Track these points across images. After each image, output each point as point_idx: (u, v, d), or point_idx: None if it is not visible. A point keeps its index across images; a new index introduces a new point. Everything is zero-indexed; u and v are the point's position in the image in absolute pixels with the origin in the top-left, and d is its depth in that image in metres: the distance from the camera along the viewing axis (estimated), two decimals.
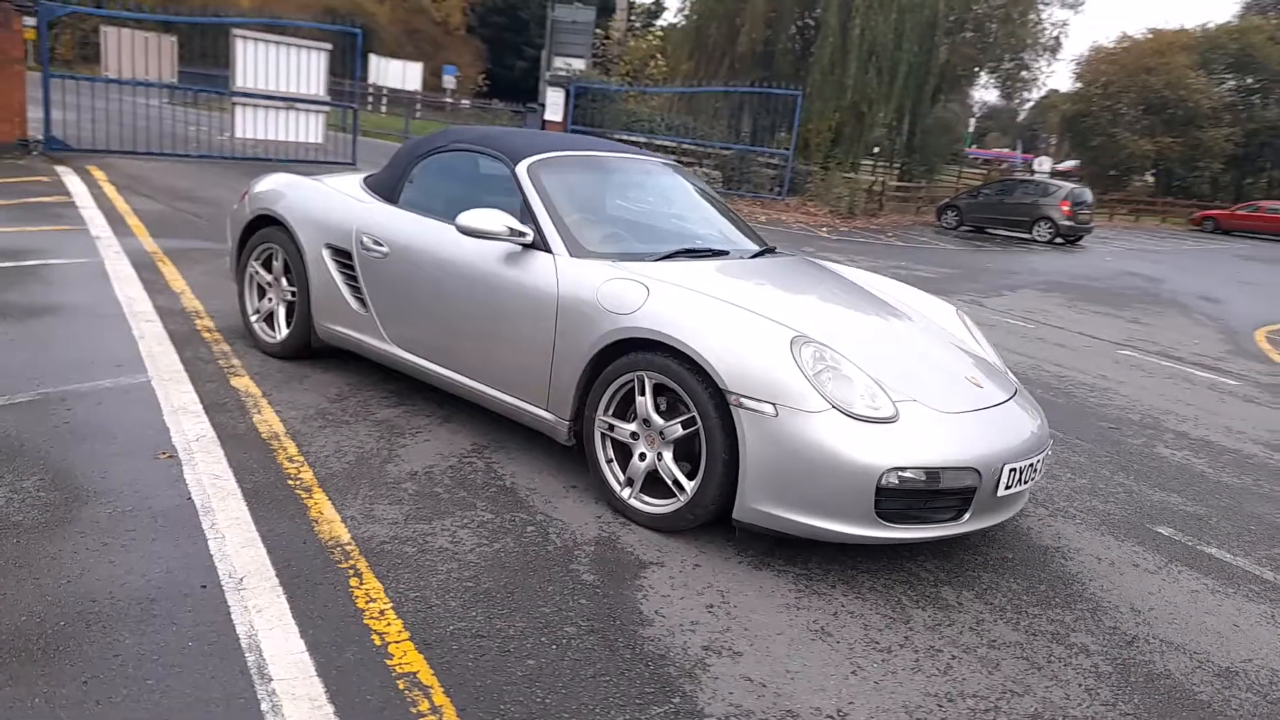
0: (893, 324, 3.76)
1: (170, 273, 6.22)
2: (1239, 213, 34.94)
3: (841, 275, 4.31)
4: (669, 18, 49.29)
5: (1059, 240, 22.44)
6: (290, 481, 3.26)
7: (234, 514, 2.97)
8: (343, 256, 4.22)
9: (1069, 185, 23.86)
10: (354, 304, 4.20)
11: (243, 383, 4.22)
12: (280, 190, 4.57)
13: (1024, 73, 40.12)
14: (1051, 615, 2.98)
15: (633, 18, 26.90)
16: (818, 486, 2.86)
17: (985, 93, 48.16)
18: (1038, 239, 22.54)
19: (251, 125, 13.04)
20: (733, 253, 4.07)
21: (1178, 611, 3.13)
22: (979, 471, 2.97)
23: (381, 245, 4.03)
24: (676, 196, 4.44)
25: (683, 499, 3.11)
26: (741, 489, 2.94)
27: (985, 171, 44.95)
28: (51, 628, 2.28)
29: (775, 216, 17.56)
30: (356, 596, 2.58)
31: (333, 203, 4.34)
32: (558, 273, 3.46)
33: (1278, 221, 33.52)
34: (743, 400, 2.91)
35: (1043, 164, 55.79)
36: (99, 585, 2.49)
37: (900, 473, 2.84)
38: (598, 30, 23.62)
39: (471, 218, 3.57)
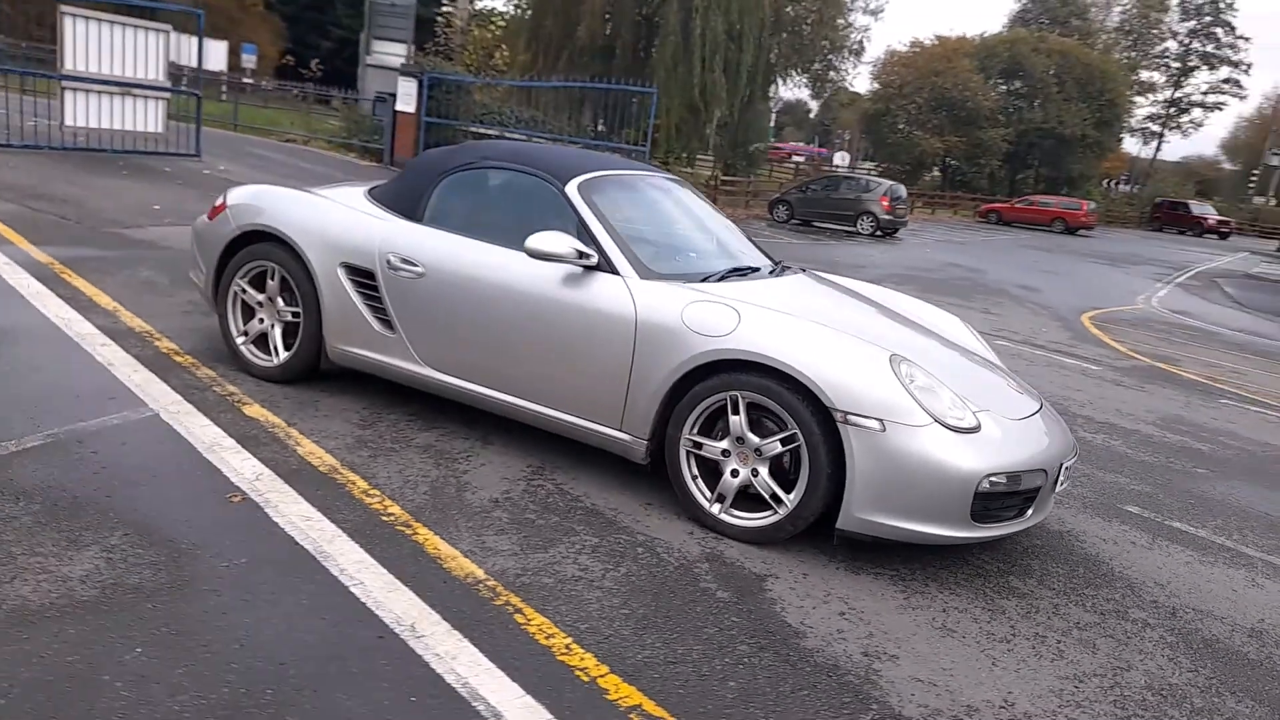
0: (934, 340, 4.08)
1: (85, 286, 5.66)
2: (1017, 206, 38.77)
3: (861, 291, 4.59)
4: (500, 5, 48.62)
5: (879, 233, 24.12)
6: (385, 518, 3.16)
7: (354, 557, 2.86)
8: (362, 276, 4.06)
9: (888, 182, 25.67)
10: (376, 325, 4.05)
11: (257, 412, 3.98)
12: (276, 204, 4.31)
13: (831, 73, 42.69)
14: (1104, 595, 3.39)
15: (475, 5, 26.30)
16: (922, 494, 3.12)
17: (790, 91, 50.75)
18: (861, 232, 24.12)
19: (83, 112, 11.78)
20: (763, 269, 4.26)
21: (1188, 582, 3.64)
22: (1045, 472, 3.33)
23: (415, 265, 3.92)
24: (694, 211, 4.56)
25: (782, 512, 3.29)
26: (848, 500, 3.16)
27: (795, 166, 47.44)
28: (263, 696, 2.16)
29: None
30: (533, 633, 2.59)
31: (346, 219, 4.16)
32: (632, 296, 3.53)
33: (1048, 214, 37.45)
34: (850, 417, 3.12)
35: (842, 159, 59.40)
36: (274, 645, 2.37)
37: (993, 477, 3.15)
38: (439, 17, 22.99)
39: (541, 241, 3.57)
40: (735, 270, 4.05)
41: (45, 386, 3.93)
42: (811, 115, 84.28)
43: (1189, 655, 3.02)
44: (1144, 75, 60.70)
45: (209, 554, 2.77)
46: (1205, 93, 63.19)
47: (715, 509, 3.41)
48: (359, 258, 4.06)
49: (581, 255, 3.60)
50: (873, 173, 50.27)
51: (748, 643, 2.70)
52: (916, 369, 3.29)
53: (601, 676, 2.43)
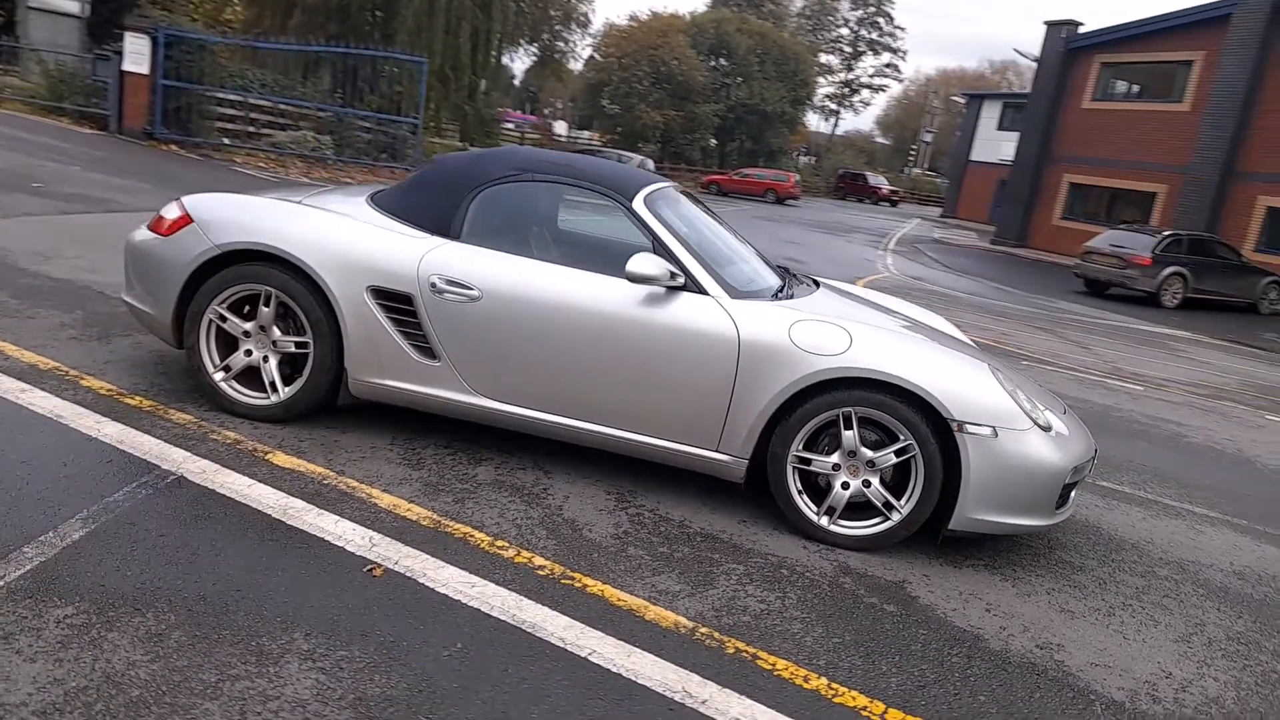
0: (969, 345, 4.40)
1: None
2: (734, 178, 41.56)
3: (873, 299, 4.76)
4: None
5: None
6: (540, 572, 2.94)
7: (559, 623, 2.65)
8: (396, 301, 3.65)
9: (638, 157, 26.50)
10: (414, 354, 3.67)
11: (290, 462, 3.47)
12: (274, 219, 3.73)
13: (559, 44, 42.91)
14: (1128, 559, 3.94)
15: None
16: (1025, 491, 3.44)
17: (520, 61, 50.34)
18: None
19: None
20: (805, 282, 4.37)
21: (1161, 536, 4.30)
22: (1091, 462, 3.80)
23: (469, 288, 3.60)
24: (709, 220, 4.51)
25: (895, 518, 3.47)
26: (962, 502, 3.41)
27: (520, 135, 47.35)
28: None
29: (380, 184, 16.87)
30: (789, 678, 2.58)
31: (371, 238, 3.71)
32: (731, 316, 3.51)
33: (761, 185, 40.55)
34: (965, 426, 3.36)
35: (562, 128, 59.95)
36: None
37: (1074, 471, 3.55)
38: None
39: (641, 264, 3.45)
40: (789, 283, 4.13)
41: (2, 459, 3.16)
42: (516, 82, 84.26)
43: (1224, 603, 3.62)
44: (823, 58, 67.08)
45: (416, 643, 2.44)
46: (872, 75, 71.19)
47: (824, 521, 3.52)
48: (392, 280, 3.64)
49: (673, 276, 3.52)
50: (594, 142, 51.42)
51: (955, 654, 2.87)
52: (1004, 376, 3.60)
53: (885, 713, 2.49)
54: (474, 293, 3.60)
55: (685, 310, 3.54)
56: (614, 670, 2.47)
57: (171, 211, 3.88)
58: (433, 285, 3.61)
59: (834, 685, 2.57)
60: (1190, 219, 23.18)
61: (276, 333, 3.76)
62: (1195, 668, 3.03)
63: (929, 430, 3.38)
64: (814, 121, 73.50)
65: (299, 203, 3.91)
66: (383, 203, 3.95)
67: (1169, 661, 3.04)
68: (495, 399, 3.68)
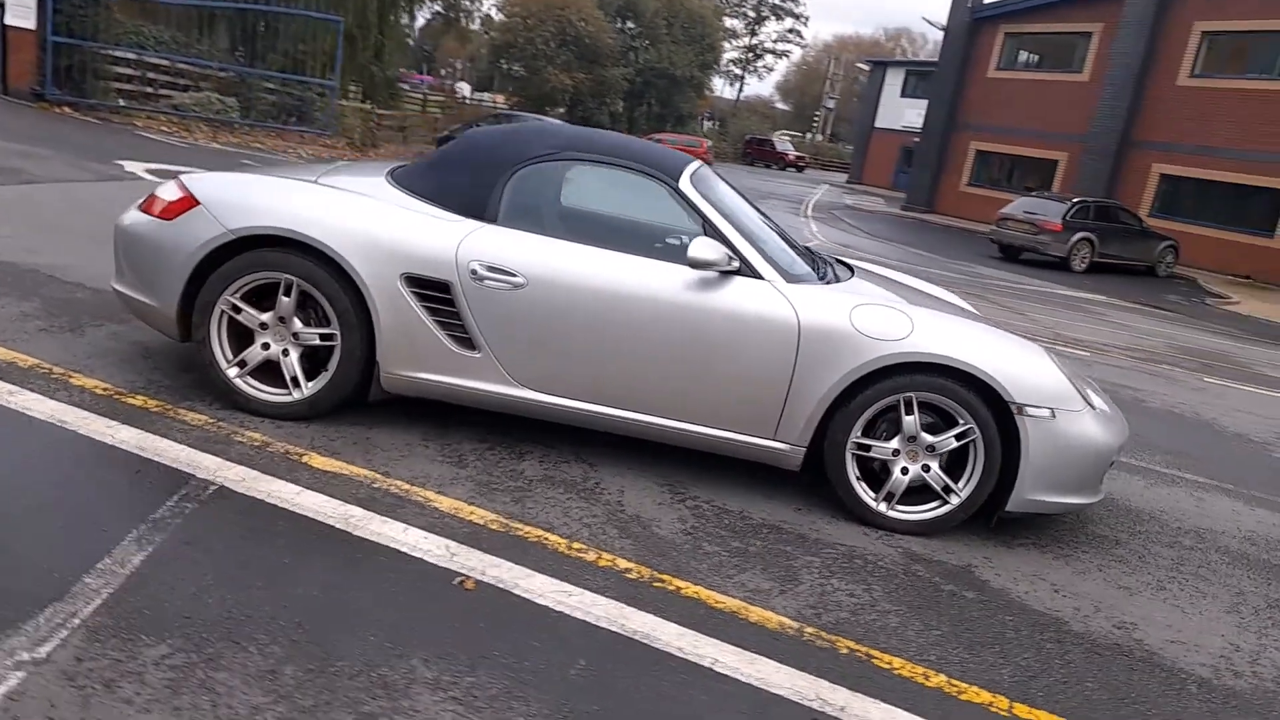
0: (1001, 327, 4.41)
1: None
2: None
3: (905, 281, 4.69)
4: None
5: None
6: (629, 575, 2.82)
7: (670, 630, 2.55)
8: (432, 288, 3.42)
9: (555, 122, 25.92)
10: (451, 345, 3.46)
11: (330, 464, 3.23)
12: (294, 201, 3.44)
13: (464, 2, 41.58)
14: (1152, 531, 4.05)
15: None
16: (1077, 471, 3.49)
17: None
18: None
19: None
20: (840, 263, 4.30)
21: (1166, 505, 4.46)
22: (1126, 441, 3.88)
23: (513, 275, 3.40)
24: (740, 198, 4.34)
25: (955, 501, 3.47)
26: (1020, 484, 3.43)
27: (422, 98, 45.87)
28: None
29: (293, 149, 15.97)
30: (909, 676, 2.54)
31: (402, 221, 3.45)
32: (789, 301, 3.42)
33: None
34: (1025, 408, 3.37)
35: (463, 89, 58.43)
36: None
37: (1119, 450, 3.61)
38: None
39: (701, 249, 3.33)
40: (829, 266, 4.05)
41: (14, 471, 2.84)
42: (410, 41, 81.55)
43: (1250, 569, 3.77)
44: (728, 22, 67.08)
45: (540, 664, 2.29)
46: (775, 40, 71.66)
47: (882, 507, 3.50)
48: (428, 267, 3.41)
49: (729, 260, 3.40)
50: (499, 105, 50.27)
51: (1047, 640, 2.89)
52: (1057, 358, 3.62)
53: (1011, 708, 2.48)
54: (519, 279, 3.40)
55: (741, 296, 3.43)
56: (745, 680, 2.38)
57: (170, 192, 3.53)
58: (473, 272, 3.40)
59: (953, 682, 2.55)
60: (1090, 186, 24.20)
61: (298, 324, 3.48)
62: (1255, 638, 3.14)
63: (989, 413, 3.37)
64: (719, 86, 73.68)
65: (314, 182, 3.62)
66: (407, 182, 3.68)
67: (1230, 634, 3.14)
68: (540, 390, 3.50)
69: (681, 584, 2.82)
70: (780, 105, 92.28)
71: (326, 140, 18.51)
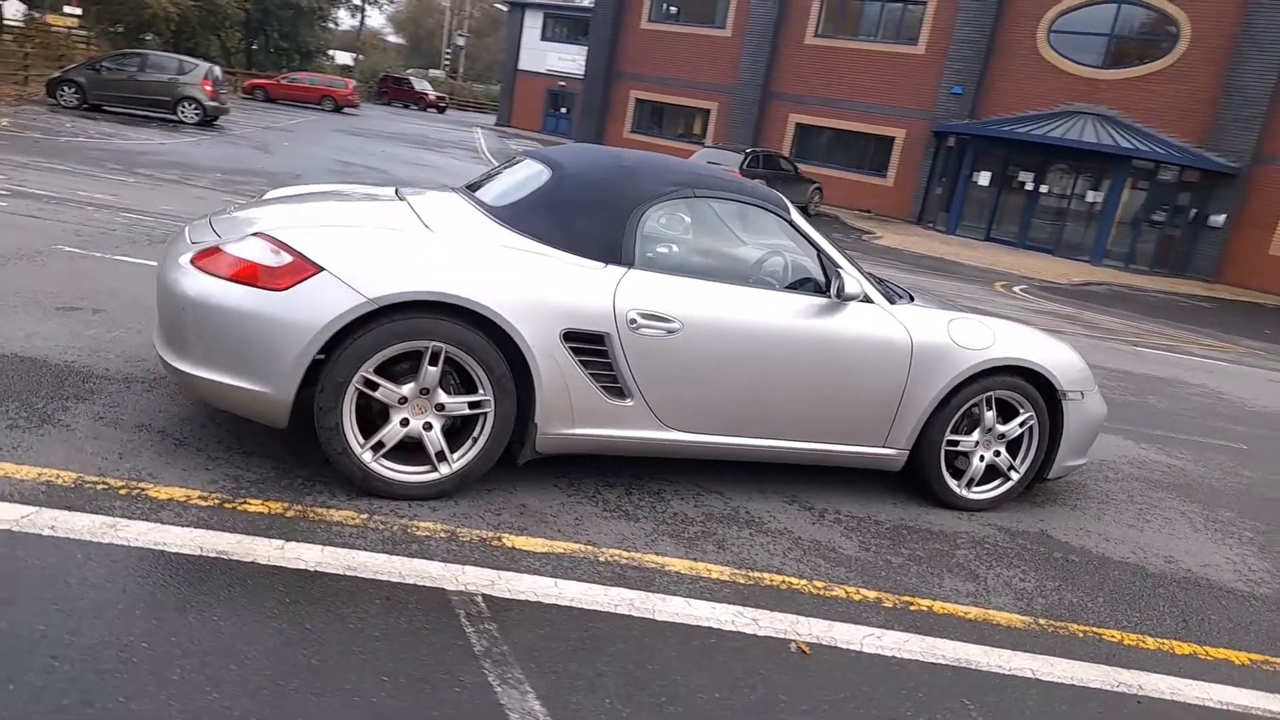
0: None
1: None
2: (284, 83, 37.81)
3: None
4: None
5: (207, 121, 21.71)
6: (888, 605, 3.06)
7: (1020, 660, 2.85)
8: (587, 341, 3.27)
9: (205, 64, 22.81)
10: (604, 396, 3.34)
11: (538, 544, 3.02)
12: (433, 259, 3.05)
13: None
14: (1119, 477, 5.04)
15: None
16: (1089, 437, 4.29)
17: None
18: (185, 120, 21.27)
19: None
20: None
21: (1123, 456, 5.52)
22: None
23: (668, 320, 3.35)
24: None
25: (1014, 478, 4.10)
26: (1061, 455, 4.14)
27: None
28: None
29: None
30: (1154, 648, 3.10)
31: (553, 274, 3.22)
32: (900, 321, 3.76)
33: (317, 91, 37.52)
34: (1068, 394, 4.07)
35: (12, 9, 49.25)
36: None
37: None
38: None
39: (853, 284, 3.58)
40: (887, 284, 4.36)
41: (290, 632, 2.36)
42: None
43: (1183, 498, 4.88)
44: None
45: (955, 712, 2.50)
46: None
47: (964, 491, 4.03)
48: (587, 321, 3.24)
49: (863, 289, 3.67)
50: (71, 28, 42.79)
51: (1160, 590, 3.60)
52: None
53: (1208, 654, 3.13)
54: (674, 325, 3.36)
55: (863, 320, 3.69)
56: (1068, 683, 2.76)
57: (265, 254, 2.95)
58: (631, 322, 3.29)
59: (1163, 641, 3.15)
60: (739, 134, 26.78)
61: (442, 395, 3.13)
62: (1237, 554, 4.16)
63: (1044, 401, 4.02)
64: (344, 19, 68.85)
65: (426, 227, 3.23)
66: (522, 224, 3.40)
67: (1228, 553, 4.13)
68: (688, 430, 3.52)
69: (927, 603, 3.12)
70: (394, 39, 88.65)
71: None
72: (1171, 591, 3.57)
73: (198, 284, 2.97)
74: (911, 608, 3.05)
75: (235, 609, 2.37)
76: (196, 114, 21.31)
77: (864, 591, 3.11)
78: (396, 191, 4.01)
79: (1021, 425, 4.02)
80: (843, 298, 3.58)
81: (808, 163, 25.74)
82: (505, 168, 4.11)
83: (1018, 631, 3.02)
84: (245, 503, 2.94)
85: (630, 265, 3.40)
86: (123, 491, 2.87)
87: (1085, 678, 2.79)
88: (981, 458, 4.02)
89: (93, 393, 3.61)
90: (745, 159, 20.26)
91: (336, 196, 3.99)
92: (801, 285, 3.74)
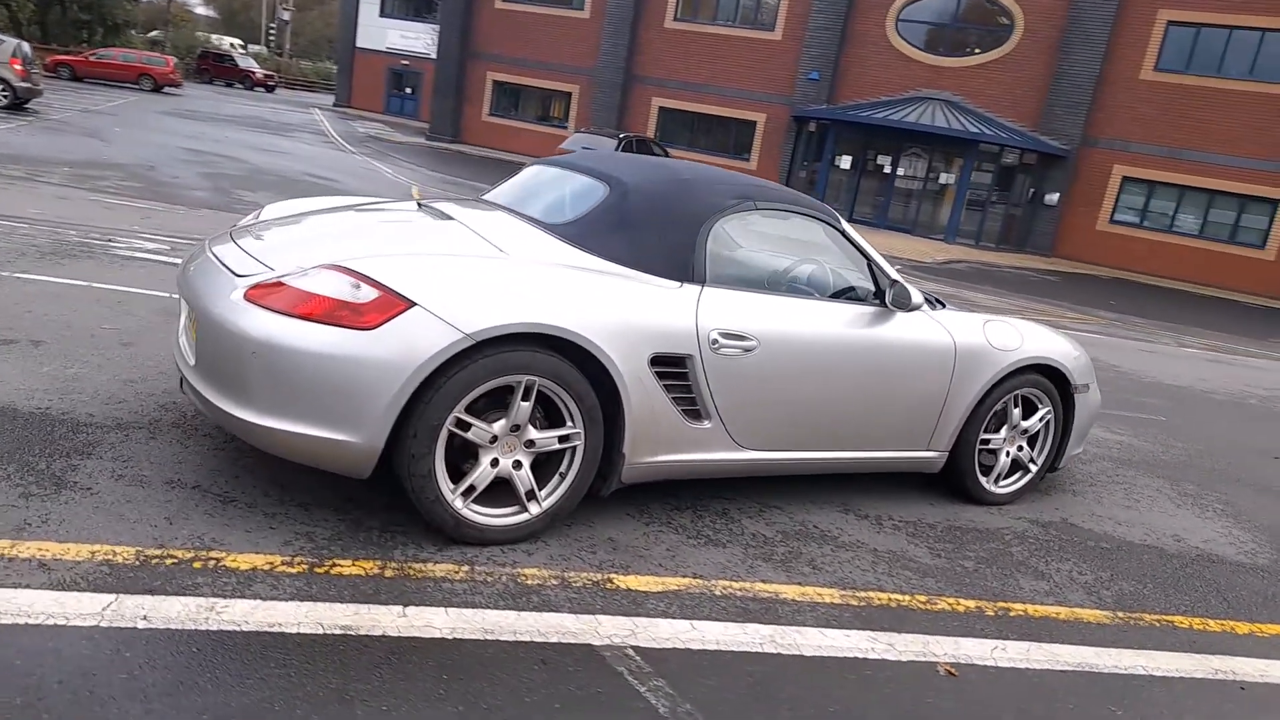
0: None
1: None
2: (94, 60, 34.57)
3: None
4: None
5: (19, 104, 19.57)
6: (990, 613, 3.11)
7: (1157, 660, 2.95)
8: (670, 365, 3.13)
9: (13, 40, 20.50)
10: (685, 420, 3.22)
11: (647, 583, 2.87)
12: (524, 287, 2.82)
13: None
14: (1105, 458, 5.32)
15: None
16: (1089, 425, 4.53)
17: None
18: None
19: None
20: None
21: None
22: None
23: (746, 339, 3.25)
24: None
25: (1033, 469, 4.26)
26: (1071, 445, 4.35)
27: None
28: None
29: None
30: (1218, 630, 3.29)
31: (637, 296, 3.05)
32: (944, 325, 3.81)
33: (133, 70, 34.53)
34: (1079, 387, 4.26)
35: None
36: None
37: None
38: None
39: (916, 294, 3.57)
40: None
41: None
42: None
43: (1148, 473, 5.22)
44: None
45: None
46: None
47: (993, 487, 4.15)
48: (672, 344, 3.10)
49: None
50: None
51: (1187, 569, 3.83)
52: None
53: (1259, 632, 3.36)
54: (750, 343, 3.27)
55: (912, 327, 3.72)
56: (1243, 678, 2.89)
57: (344, 289, 2.64)
58: (713, 342, 3.18)
59: (1224, 623, 3.35)
60: (603, 117, 26.68)
61: (532, 430, 2.92)
62: (1222, 526, 4.49)
63: (1059, 395, 4.20)
64: None
65: (499, 250, 3.00)
66: (588, 243, 3.20)
67: (1215, 527, 4.44)
68: (761, 449, 3.44)
69: (1020, 607, 3.18)
70: (204, 11, 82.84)
71: None
72: (1198, 571, 3.81)
73: (263, 323, 2.62)
74: (1011, 614, 3.11)
75: (399, 695, 2.12)
76: (5, 96, 19.19)
77: (964, 602, 3.14)
78: (420, 206, 3.70)
79: (1040, 420, 4.18)
80: (907, 308, 3.59)
81: (674, 147, 25.95)
82: (532, 180, 3.87)
83: (1108, 628, 3.13)
84: (334, 565, 2.64)
85: (703, 283, 3.27)
86: (197, 565, 2.51)
87: (1185, 669, 2.93)
88: (1007, 453, 4.15)
89: (93, 445, 3.15)
90: (619, 144, 20.20)
91: (367, 212, 3.63)
92: (846, 294, 3.72)
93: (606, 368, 2.92)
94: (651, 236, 3.25)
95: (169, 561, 2.50)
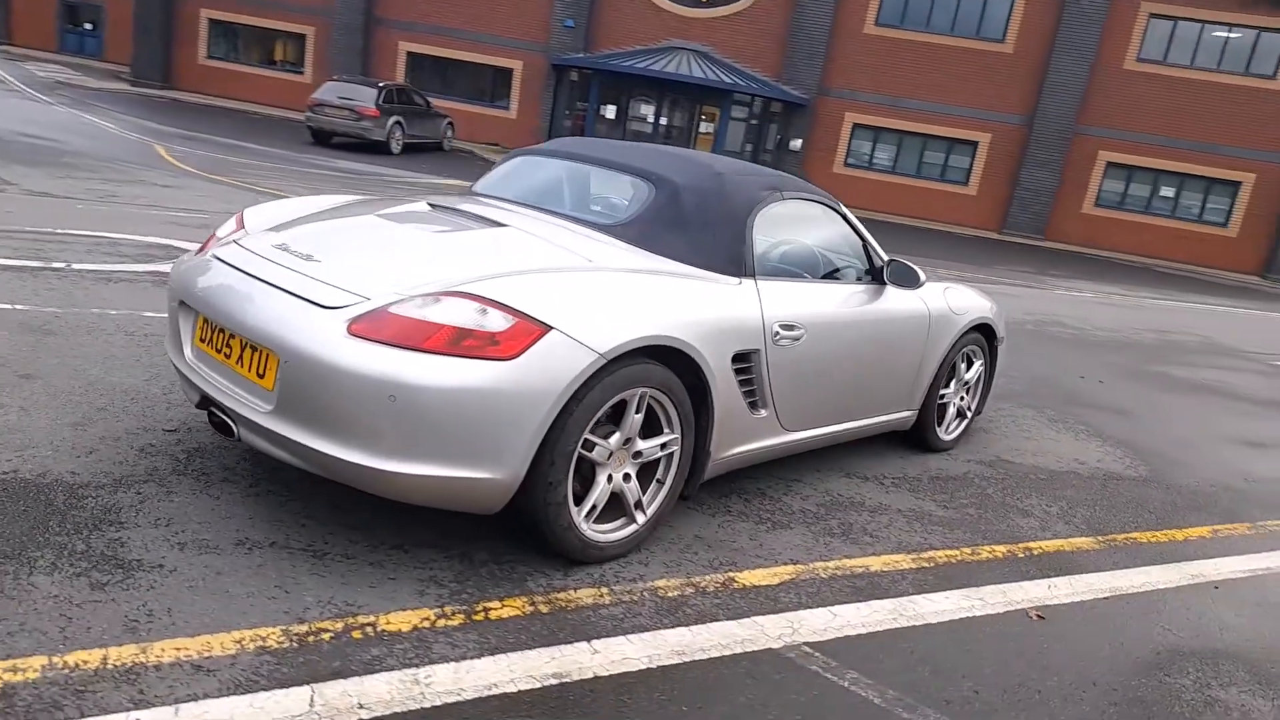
0: None
1: None
2: None
3: None
4: None
5: None
6: (1066, 549, 3.51)
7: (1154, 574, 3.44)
8: (744, 360, 3.20)
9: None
10: (750, 411, 3.32)
11: (764, 577, 2.98)
12: (633, 299, 2.75)
13: None
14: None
15: None
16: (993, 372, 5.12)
17: None
18: None
19: None
20: None
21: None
22: None
23: (796, 329, 3.37)
24: None
25: (969, 416, 4.77)
26: (992, 391, 4.90)
27: None
28: None
29: None
30: (1164, 540, 3.93)
31: (718, 297, 3.06)
32: (920, 296, 4.14)
33: None
34: (1001, 339, 4.81)
35: None
36: None
37: None
38: None
39: (921, 273, 3.84)
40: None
41: None
42: None
43: (1053, 405, 5.96)
44: None
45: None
46: None
47: (945, 435, 4.61)
48: (746, 340, 3.15)
49: None
50: None
51: (1119, 492, 4.51)
52: None
53: (1221, 529, 4.05)
54: (799, 332, 3.39)
55: (900, 299, 4.02)
56: (1214, 578, 3.45)
57: (473, 316, 2.44)
58: (775, 334, 3.27)
59: (1169, 533, 3.99)
60: (346, 62, 25.01)
61: (640, 442, 2.88)
62: (1099, 446, 5.27)
63: (990, 348, 4.72)
64: None
65: (590, 264, 2.89)
66: (651, 245, 3.13)
67: (1094, 448, 5.21)
68: (800, 429, 3.59)
69: (1035, 546, 3.61)
70: None
71: None
72: (1113, 490, 4.48)
73: (384, 361, 2.36)
74: (1035, 553, 3.52)
75: None
76: None
77: (995, 549, 3.51)
78: (430, 205, 3.41)
79: (975, 372, 4.68)
80: (917, 285, 3.87)
81: (429, 95, 24.88)
82: (534, 173, 3.70)
83: (1103, 553, 3.64)
84: (486, 609, 2.49)
85: (754, 276, 3.33)
86: (356, 635, 2.27)
87: (1173, 580, 3.49)
88: (955, 405, 4.61)
89: (112, 511, 2.68)
90: (380, 94, 19.09)
91: (401, 221, 3.18)
92: (838, 274, 3.92)
93: (702, 370, 2.92)
94: (708, 234, 3.25)
95: (325, 636, 2.24)
